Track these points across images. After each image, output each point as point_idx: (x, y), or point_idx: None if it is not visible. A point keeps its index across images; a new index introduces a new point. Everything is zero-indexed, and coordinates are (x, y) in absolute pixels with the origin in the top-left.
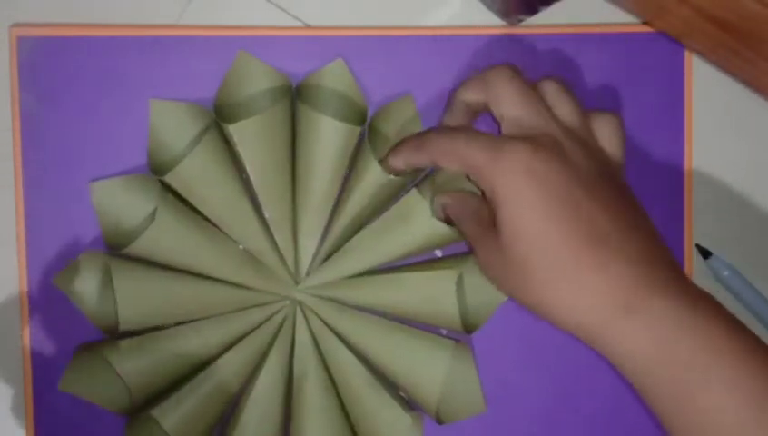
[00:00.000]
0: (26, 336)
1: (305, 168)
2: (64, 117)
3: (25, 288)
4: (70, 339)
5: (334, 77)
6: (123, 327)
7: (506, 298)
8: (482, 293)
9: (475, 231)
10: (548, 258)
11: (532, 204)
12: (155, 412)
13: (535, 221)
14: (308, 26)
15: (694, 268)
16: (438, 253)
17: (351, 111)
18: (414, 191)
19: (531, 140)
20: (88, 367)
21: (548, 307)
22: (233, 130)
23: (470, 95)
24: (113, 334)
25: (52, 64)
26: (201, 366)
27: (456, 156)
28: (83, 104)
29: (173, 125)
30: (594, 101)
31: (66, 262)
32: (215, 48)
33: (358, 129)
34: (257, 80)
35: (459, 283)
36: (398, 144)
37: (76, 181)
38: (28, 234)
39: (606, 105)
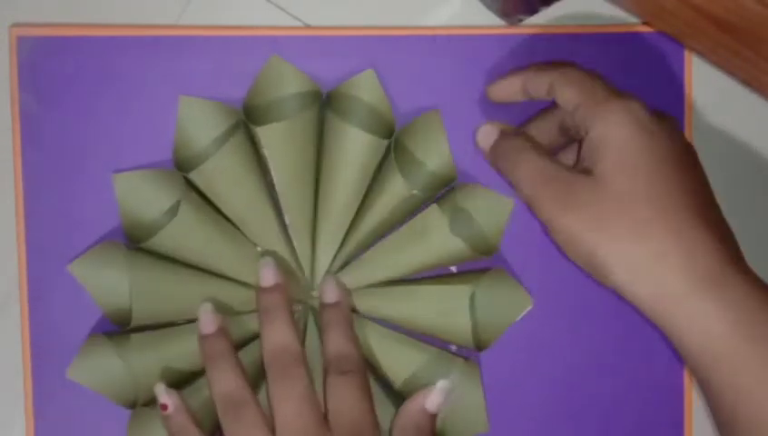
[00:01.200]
0: (26, 334)
1: (328, 176)
2: (63, 117)
3: (25, 287)
4: (70, 337)
5: (364, 88)
6: (135, 321)
7: (518, 317)
8: (495, 311)
9: (550, 170)
10: (644, 208)
11: (641, 151)
12: None
13: (642, 166)
14: (308, 26)
15: None
16: (454, 269)
17: (379, 123)
18: (434, 206)
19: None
20: (97, 358)
21: (622, 257)
22: (261, 132)
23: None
24: (124, 327)
25: (52, 64)
26: None
27: (578, 83)
28: (82, 103)
29: (201, 123)
30: None
31: (66, 261)
32: (215, 48)
33: (384, 142)
34: (287, 84)
35: (473, 299)
36: (514, 72)
37: (76, 180)
38: (28, 234)
39: None
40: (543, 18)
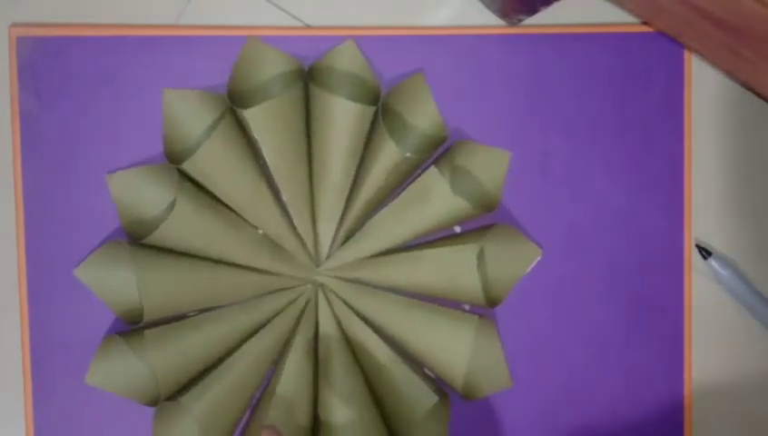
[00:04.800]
0: (26, 334)
1: (321, 150)
2: (63, 117)
3: (25, 286)
4: (70, 337)
5: (345, 58)
6: (147, 317)
7: (527, 270)
8: (504, 266)
9: None
10: None
11: None
12: (184, 400)
13: None
14: (308, 26)
15: (694, 268)
16: (458, 229)
17: (364, 91)
18: (433, 168)
19: None
20: (114, 359)
21: None
22: (248, 115)
23: None
24: (136, 324)
25: (51, 64)
26: (226, 353)
27: None
28: (82, 103)
29: (188, 113)
30: (594, 101)
31: (66, 261)
32: (215, 48)
33: (371, 109)
34: (268, 65)
35: (480, 257)
36: None
37: (75, 180)
38: (28, 233)
39: (607, 105)
40: (543, 18)
